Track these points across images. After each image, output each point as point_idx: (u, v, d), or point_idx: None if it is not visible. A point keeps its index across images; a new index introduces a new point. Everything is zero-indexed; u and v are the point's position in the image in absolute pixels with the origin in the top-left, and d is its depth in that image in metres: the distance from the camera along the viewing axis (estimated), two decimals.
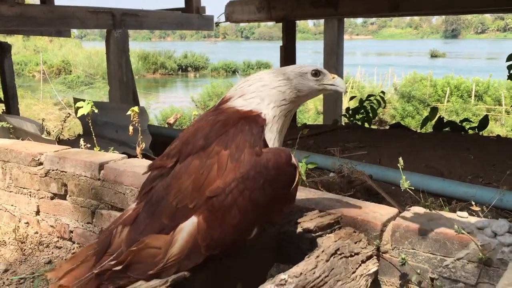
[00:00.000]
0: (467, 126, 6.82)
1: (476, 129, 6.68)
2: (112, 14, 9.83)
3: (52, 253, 2.90)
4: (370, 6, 8.08)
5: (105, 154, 3.01)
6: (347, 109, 8.08)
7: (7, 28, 11.23)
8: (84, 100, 3.83)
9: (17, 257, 2.85)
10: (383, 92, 7.95)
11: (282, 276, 1.48)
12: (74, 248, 2.90)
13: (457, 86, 26.41)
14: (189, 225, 1.47)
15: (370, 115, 7.57)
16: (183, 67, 40.62)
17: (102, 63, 33.70)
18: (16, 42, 34.92)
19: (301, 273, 1.52)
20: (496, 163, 4.49)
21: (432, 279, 1.80)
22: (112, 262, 1.49)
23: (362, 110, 7.65)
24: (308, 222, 1.82)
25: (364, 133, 6.27)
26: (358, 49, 62.20)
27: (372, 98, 7.72)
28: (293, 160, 1.54)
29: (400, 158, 1.97)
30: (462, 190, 3.59)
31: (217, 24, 11.31)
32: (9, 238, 3.00)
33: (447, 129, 6.73)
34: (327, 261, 1.62)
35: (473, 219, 1.85)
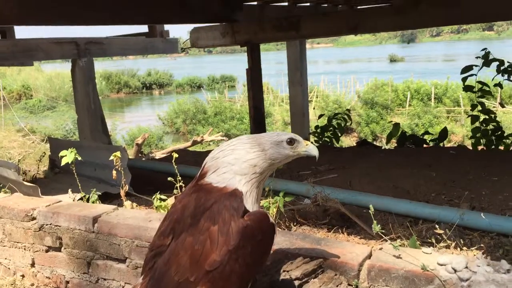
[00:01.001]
0: (429, 139, 7.24)
1: (438, 141, 7.11)
2: (76, 43, 9.89)
3: None
4: (330, 28, 8.43)
5: (96, 206, 3.18)
6: (316, 127, 8.43)
7: None
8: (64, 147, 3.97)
9: None
10: (348, 110, 8.33)
11: None
12: None
13: (417, 90, 27.34)
14: None
15: (338, 133, 7.93)
16: (147, 85, 40.51)
17: (64, 85, 33.26)
18: None
19: None
20: (456, 180, 4.85)
21: None
22: None
23: (331, 128, 8.00)
24: (294, 270, 2.07)
25: (333, 154, 6.58)
26: (320, 57, 63.42)
27: (338, 116, 8.09)
28: (271, 219, 1.80)
29: (371, 206, 2.24)
30: (427, 211, 3.91)
31: (183, 49, 11.51)
32: None
33: (410, 144, 7.13)
34: None
35: (436, 255, 2.13)
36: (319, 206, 4.05)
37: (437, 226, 3.39)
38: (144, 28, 11.64)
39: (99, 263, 2.92)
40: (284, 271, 2.07)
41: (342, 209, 3.98)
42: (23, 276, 3.26)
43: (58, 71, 37.64)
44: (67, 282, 3.09)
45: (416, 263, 2.07)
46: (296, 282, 2.01)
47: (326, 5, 9.36)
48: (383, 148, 7.41)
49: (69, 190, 3.73)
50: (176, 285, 1.71)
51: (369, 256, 2.22)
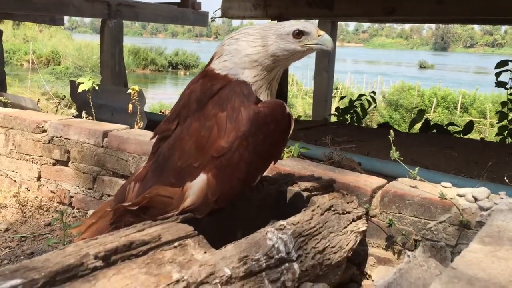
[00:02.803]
0: (452, 130, 7.03)
1: (461, 134, 6.90)
2: (108, 3, 9.89)
3: (52, 216, 3.00)
4: (365, 9, 8.28)
5: (109, 124, 3.12)
6: (337, 108, 8.27)
7: (3, 12, 11.23)
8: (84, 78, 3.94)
9: (17, 219, 2.95)
10: (374, 92, 8.14)
11: (281, 222, 1.62)
12: (74, 213, 3.00)
13: (444, 97, 26.86)
14: (199, 182, 1.58)
15: (360, 114, 7.75)
16: (174, 65, 40.56)
17: (92, 55, 33.53)
18: (5, 30, 34.58)
19: (298, 222, 1.66)
20: (479, 161, 4.69)
21: (415, 241, 1.95)
22: (127, 203, 1.62)
23: (352, 110, 7.83)
24: (304, 182, 1.97)
25: (353, 130, 6.45)
26: (349, 56, 62.74)
27: (362, 97, 7.91)
28: (288, 110, 1.65)
29: (391, 130, 2.13)
30: (446, 180, 3.76)
31: (213, 19, 11.42)
32: (10, 202, 3.10)
33: (433, 131, 6.94)
34: (321, 214, 1.76)
35: (455, 188, 2.01)
36: (333, 164, 3.94)
37: None
38: None
39: (105, 179, 2.86)
40: (294, 183, 1.97)
41: (357, 168, 3.85)
42: (28, 189, 3.22)
43: (88, 41, 37.94)
44: (71, 197, 3.04)
45: (434, 192, 1.95)
46: (305, 193, 1.90)
47: None
48: (405, 132, 7.22)
49: (83, 112, 3.68)
50: (179, 170, 1.62)
51: (383, 186, 2.11)
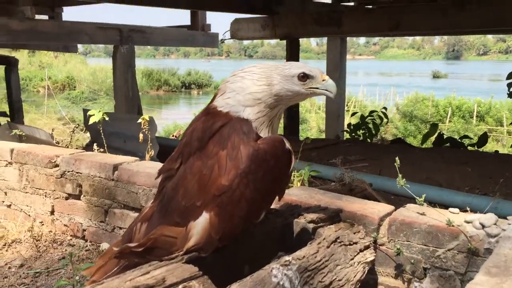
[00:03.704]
0: (467, 143, 6.97)
1: (476, 146, 6.83)
2: (119, 30, 10.06)
3: (66, 250, 3.03)
4: (371, 25, 8.30)
5: (119, 156, 3.17)
6: (349, 125, 8.26)
7: (17, 43, 11.50)
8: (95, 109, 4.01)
9: (32, 254, 2.99)
10: (385, 108, 8.13)
11: (287, 257, 1.62)
12: (87, 246, 3.04)
13: (459, 106, 26.61)
14: (202, 221, 1.59)
15: (372, 131, 7.73)
16: (187, 84, 40.94)
17: (106, 79, 34.04)
18: (21, 57, 35.31)
19: (304, 256, 1.66)
20: (493, 176, 4.63)
21: (425, 269, 1.94)
22: (133, 244, 1.64)
23: (364, 126, 7.81)
24: (311, 214, 1.97)
25: (365, 147, 6.43)
26: (361, 69, 62.69)
27: (374, 114, 7.90)
28: (287, 145, 1.66)
29: (397, 158, 2.13)
30: (459, 199, 3.73)
31: (222, 40, 11.56)
32: (24, 236, 3.15)
33: (447, 145, 6.88)
34: (327, 247, 1.76)
35: (462, 214, 2.00)
36: (345, 186, 3.93)
37: (468, 209, 3.22)
38: (186, 21, 11.75)
39: (116, 212, 2.90)
40: (299, 215, 1.97)
41: (369, 189, 3.85)
42: (42, 223, 3.27)
43: (102, 65, 38.54)
44: (84, 230, 3.08)
45: (441, 219, 1.94)
46: (311, 225, 1.91)
47: (370, 6, 9.21)
48: (418, 147, 7.17)
49: (94, 144, 3.74)
50: (183, 209, 1.63)
51: (391, 213, 2.10)
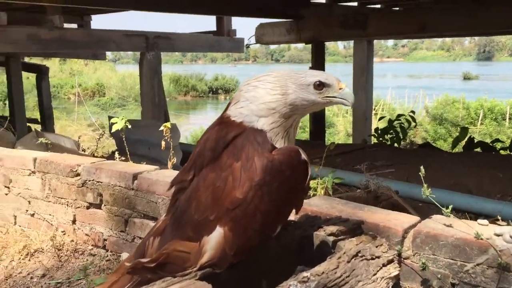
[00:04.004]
0: (499, 146, 6.74)
1: (508, 150, 6.60)
2: (146, 37, 10.16)
3: (87, 260, 3.03)
4: (397, 27, 8.15)
5: (139, 165, 3.16)
6: (376, 129, 8.11)
7: (47, 51, 11.75)
8: (118, 117, 4.02)
9: (54, 264, 3.00)
10: (413, 112, 7.96)
11: (305, 274, 1.56)
12: (107, 256, 3.03)
13: (491, 108, 25.91)
14: (216, 236, 1.54)
15: (400, 135, 7.56)
16: (214, 90, 41.19)
17: (135, 85, 34.51)
18: (52, 65, 36.17)
19: (323, 272, 1.59)
20: None
21: (453, 285, 1.84)
22: (145, 260, 1.60)
23: (391, 130, 7.65)
24: (331, 226, 1.89)
25: (393, 152, 6.28)
26: (389, 71, 61.85)
27: (402, 118, 7.74)
28: (303, 156, 1.59)
29: (422, 167, 2.03)
30: (489, 207, 3.59)
31: (248, 46, 11.54)
32: (46, 246, 3.16)
33: (478, 149, 6.67)
34: (348, 262, 1.68)
35: (492, 226, 1.89)
36: (370, 193, 3.82)
37: (499, 218, 3.08)
38: (212, 27, 11.79)
39: (136, 221, 2.88)
40: (319, 227, 1.90)
41: (395, 196, 3.74)
42: (64, 232, 3.28)
43: (131, 71, 39.10)
44: (105, 240, 3.07)
45: (469, 231, 1.84)
46: (331, 238, 1.83)
47: (396, 8, 9.05)
48: (447, 151, 6.98)
49: (116, 153, 3.74)
50: (196, 223, 1.58)
51: (416, 224, 2.00)
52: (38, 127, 13.89)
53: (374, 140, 8.28)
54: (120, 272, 1.70)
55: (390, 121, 7.79)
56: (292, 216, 2.11)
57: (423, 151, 6.57)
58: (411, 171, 5.00)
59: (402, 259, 1.94)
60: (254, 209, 1.52)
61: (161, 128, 3.95)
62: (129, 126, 4.00)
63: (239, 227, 1.53)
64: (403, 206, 3.63)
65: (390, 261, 1.83)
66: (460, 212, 3.76)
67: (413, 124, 7.64)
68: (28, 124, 13.65)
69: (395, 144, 7.44)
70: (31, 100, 22.70)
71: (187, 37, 11.55)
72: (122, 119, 3.97)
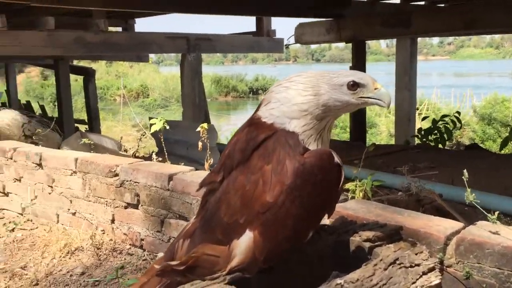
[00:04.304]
0: None
1: None
2: (187, 39, 10.29)
3: (125, 259, 3.06)
4: (443, 24, 7.89)
5: (176, 166, 3.17)
6: (419, 129, 7.88)
7: (92, 54, 12.08)
8: (153, 118, 4.06)
9: (93, 262, 3.05)
10: (458, 112, 7.68)
11: (338, 280, 1.49)
12: (144, 256, 3.05)
13: None
14: (246, 240, 1.51)
15: (444, 136, 7.32)
16: (254, 90, 41.32)
17: (177, 86, 35.00)
18: (99, 68, 37.22)
19: (357, 279, 1.52)
20: None
21: None
22: (174, 263, 1.58)
23: (436, 131, 7.42)
24: (367, 232, 1.82)
25: (436, 153, 6.08)
26: (434, 70, 60.16)
27: (446, 118, 7.49)
28: (336, 159, 1.53)
29: (465, 170, 1.93)
30: None
31: (287, 46, 11.48)
32: (86, 244, 3.22)
33: None
34: (385, 269, 1.61)
35: None
36: (411, 196, 3.70)
37: None
38: (252, 28, 11.80)
39: (172, 222, 2.88)
40: (355, 232, 1.83)
41: (438, 200, 3.60)
42: (103, 231, 3.33)
43: (174, 73, 39.74)
44: (142, 239, 3.09)
45: None
46: (367, 244, 1.76)
47: (442, 5, 8.77)
48: (496, 153, 6.69)
49: (153, 154, 3.77)
50: (225, 226, 1.55)
51: (459, 231, 1.89)
52: (85, 127, 14.33)
53: (417, 141, 8.05)
54: (150, 273, 1.69)
55: (434, 122, 7.55)
56: (327, 221, 2.06)
57: (469, 152, 6.32)
58: (456, 173, 4.78)
59: (444, 267, 1.84)
60: (285, 213, 1.48)
61: (198, 129, 3.96)
62: (167, 127, 4.03)
63: (270, 231, 1.49)
64: (448, 210, 3.48)
65: (431, 269, 1.73)
66: (509, 218, 3.58)
67: (458, 125, 7.36)
68: (76, 124, 14.09)
69: (439, 145, 7.20)
70: (79, 102, 23.44)
71: (227, 38, 11.62)
72: (161, 120, 4.00)
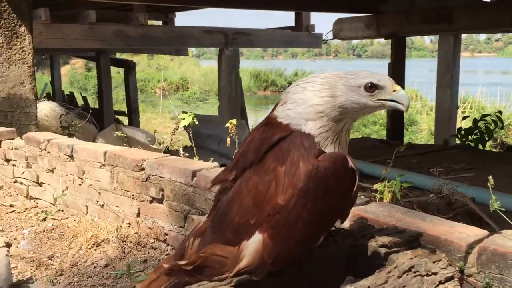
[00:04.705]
0: None
1: None
2: (225, 33, 10.33)
3: (148, 253, 3.10)
4: (487, 20, 7.61)
5: (200, 162, 3.17)
6: (459, 129, 7.64)
7: (132, 47, 12.29)
8: (186, 112, 4.09)
9: (117, 254, 3.10)
10: (500, 112, 7.40)
11: (348, 287, 1.45)
12: (167, 250, 3.07)
13: None
14: (255, 241, 1.49)
15: (485, 136, 7.06)
16: None
17: (216, 80, 35.32)
18: (141, 60, 37.85)
19: (368, 287, 1.48)
20: None
21: None
22: (183, 262, 1.57)
23: (476, 131, 7.17)
24: (384, 237, 1.76)
25: (475, 154, 5.88)
26: (480, 67, 58.25)
27: (487, 118, 7.23)
28: (351, 164, 1.49)
29: (490, 177, 1.84)
30: None
31: (325, 41, 11.36)
32: (112, 237, 3.27)
33: None
34: (399, 277, 1.55)
35: None
36: (443, 199, 3.58)
37: None
38: (291, 23, 11.73)
39: (194, 218, 2.89)
40: (371, 237, 1.77)
41: (470, 204, 3.47)
42: (129, 224, 3.38)
43: (213, 67, 39.98)
44: (166, 234, 3.12)
45: None
46: (383, 250, 1.70)
47: (487, 0, 8.44)
48: None
49: (181, 149, 3.80)
50: (236, 226, 1.53)
51: (482, 239, 1.81)
52: (125, 119, 14.62)
53: (457, 140, 7.81)
54: (159, 271, 1.69)
55: (475, 121, 7.30)
56: (346, 224, 2.01)
57: (509, 154, 6.08)
58: (495, 176, 4.62)
59: (464, 277, 1.77)
60: (296, 217, 1.45)
61: (227, 124, 3.97)
62: (196, 122, 4.05)
63: (279, 234, 1.46)
64: (479, 214, 3.36)
65: (448, 279, 1.66)
66: None
67: (499, 125, 7.09)
68: (116, 116, 14.39)
69: (479, 146, 6.95)
70: (121, 94, 23.95)
71: (265, 33, 11.59)
72: (189, 115, 4.03)
